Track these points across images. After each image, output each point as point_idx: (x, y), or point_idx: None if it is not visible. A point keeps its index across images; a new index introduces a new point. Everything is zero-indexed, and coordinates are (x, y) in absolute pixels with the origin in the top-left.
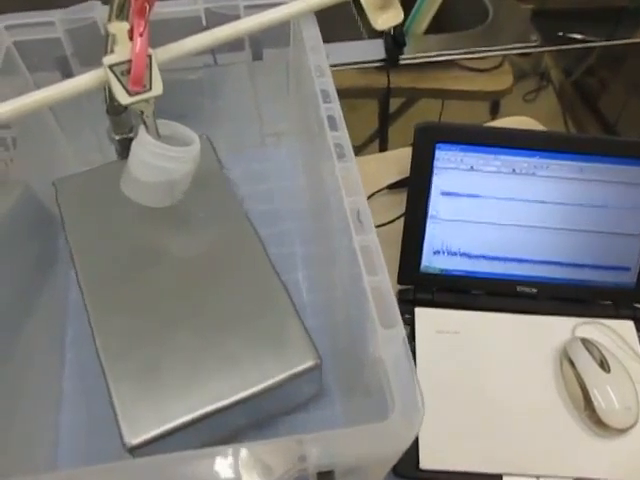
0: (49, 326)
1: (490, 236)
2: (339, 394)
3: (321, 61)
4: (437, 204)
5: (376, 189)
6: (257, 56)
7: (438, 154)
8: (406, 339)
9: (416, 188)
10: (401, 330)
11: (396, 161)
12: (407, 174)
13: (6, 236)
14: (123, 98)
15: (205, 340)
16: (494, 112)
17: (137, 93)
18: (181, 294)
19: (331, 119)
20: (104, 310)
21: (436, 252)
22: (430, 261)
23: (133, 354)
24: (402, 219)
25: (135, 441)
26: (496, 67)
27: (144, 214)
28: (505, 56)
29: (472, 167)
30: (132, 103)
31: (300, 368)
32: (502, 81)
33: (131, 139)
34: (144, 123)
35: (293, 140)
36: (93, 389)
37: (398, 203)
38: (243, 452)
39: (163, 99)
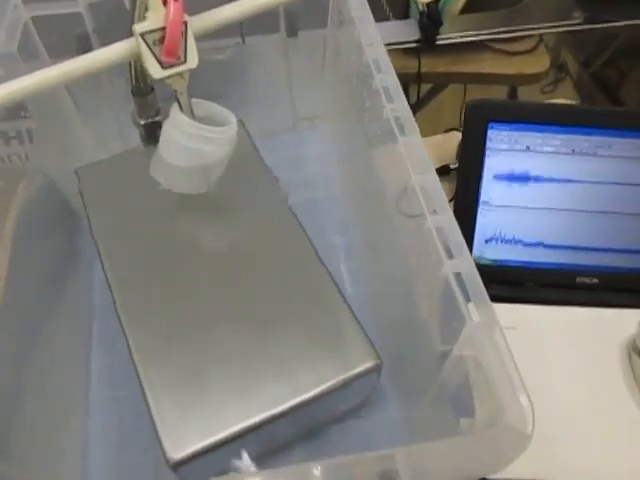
0: (73, 329)
1: (547, 223)
2: (394, 397)
3: (370, 31)
4: (489, 189)
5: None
6: (291, 34)
7: (491, 134)
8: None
9: (466, 172)
10: (496, 322)
11: (430, 149)
12: (444, 162)
13: (25, 231)
14: (155, 71)
15: (251, 342)
16: None
17: (171, 66)
18: (221, 292)
19: (387, 91)
20: (136, 310)
21: (488, 241)
22: (482, 251)
23: (171, 359)
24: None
25: (179, 456)
26: (531, 50)
27: (176, 202)
28: (541, 39)
29: (528, 147)
30: (165, 77)
31: (359, 369)
32: (539, 64)
33: (158, 123)
34: (177, 101)
35: (328, 124)
36: (124, 398)
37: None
38: (324, 470)
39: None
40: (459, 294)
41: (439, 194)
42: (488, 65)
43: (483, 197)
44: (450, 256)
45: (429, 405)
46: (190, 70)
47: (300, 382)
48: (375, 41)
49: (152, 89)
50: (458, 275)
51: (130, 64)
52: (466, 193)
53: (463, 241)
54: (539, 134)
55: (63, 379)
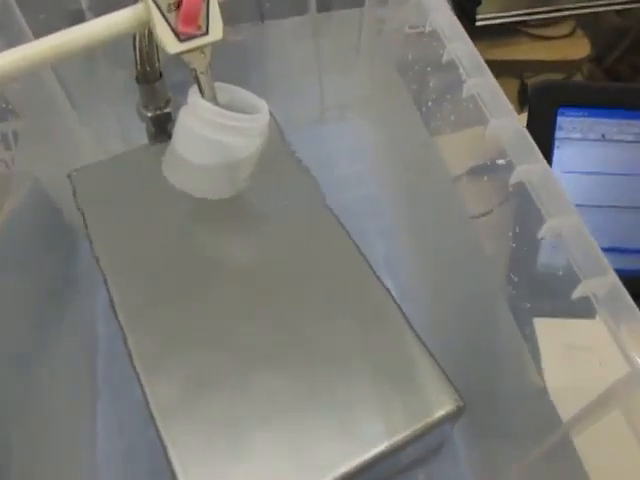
0: (74, 370)
1: (625, 223)
2: (463, 440)
3: None
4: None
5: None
6: (323, 9)
7: (561, 121)
8: None
9: None
10: None
11: (465, 144)
12: (483, 159)
13: (11, 249)
14: (170, 44)
15: (298, 382)
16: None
17: (189, 38)
18: (260, 322)
19: (463, 62)
20: (154, 352)
21: (557, 246)
22: (549, 257)
23: (197, 406)
24: (505, 207)
25: None
26: (568, 35)
27: (195, 210)
28: (577, 23)
29: (603, 136)
30: (182, 52)
31: (438, 415)
32: (580, 49)
33: (168, 115)
34: (197, 83)
35: (361, 114)
36: (136, 450)
37: (489, 190)
38: None
39: None
40: None
41: (559, 193)
42: (527, 51)
43: None
44: None
45: (502, 448)
46: (213, 44)
47: (366, 435)
48: (441, 5)
49: (160, 75)
50: None
51: (134, 43)
52: None
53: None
54: (617, 120)
55: (64, 431)
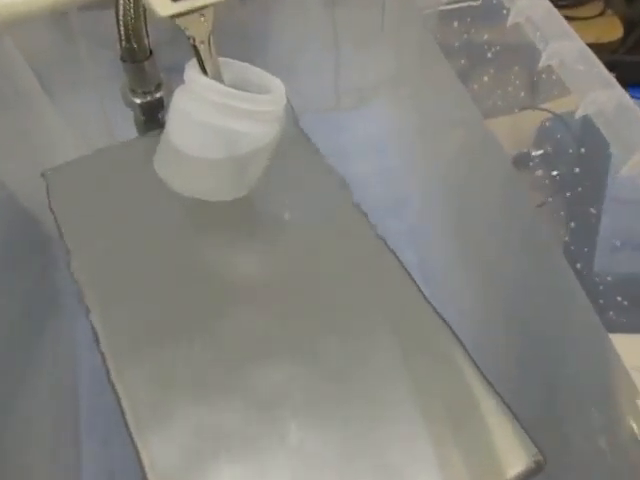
0: (53, 406)
1: None
2: None
3: None
4: (621, 179)
5: None
6: None
7: None
8: None
9: (587, 157)
10: None
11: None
12: (520, 148)
13: None
14: (162, 6)
15: (336, 435)
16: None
17: None
18: (280, 358)
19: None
20: (147, 395)
21: (616, 250)
22: (607, 263)
23: (203, 469)
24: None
25: None
26: (599, 15)
27: (196, 215)
28: (606, 3)
29: None
30: (177, 14)
31: (514, 473)
32: (614, 30)
33: (160, 101)
34: (196, 56)
35: (384, 98)
36: None
37: (537, 183)
38: None
39: None
40: None
41: None
42: None
43: (611, 190)
44: None
45: None
46: (216, 4)
47: None
48: None
49: (150, 53)
50: None
51: (117, 12)
52: (586, 186)
53: None
54: None
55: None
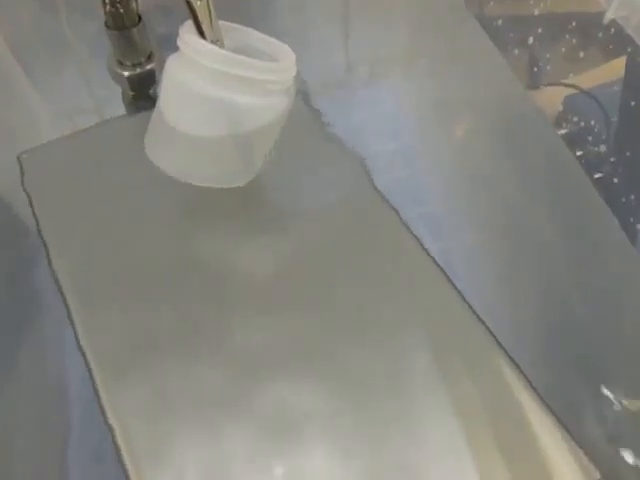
0: (37, 412)
1: None
2: None
3: None
4: None
5: None
6: None
7: None
8: None
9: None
10: None
11: None
12: None
13: None
14: None
15: (363, 464)
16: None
17: None
18: (293, 366)
19: None
20: (136, 407)
21: None
22: None
23: None
24: None
25: None
26: None
27: (193, 204)
28: None
29: None
30: None
31: None
32: None
33: (150, 73)
34: (192, 17)
35: (401, 71)
36: None
37: None
38: None
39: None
40: None
41: None
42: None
43: None
44: None
45: None
46: None
47: None
48: None
49: (139, 18)
50: None
51: None
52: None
53: None
54: None
55: None
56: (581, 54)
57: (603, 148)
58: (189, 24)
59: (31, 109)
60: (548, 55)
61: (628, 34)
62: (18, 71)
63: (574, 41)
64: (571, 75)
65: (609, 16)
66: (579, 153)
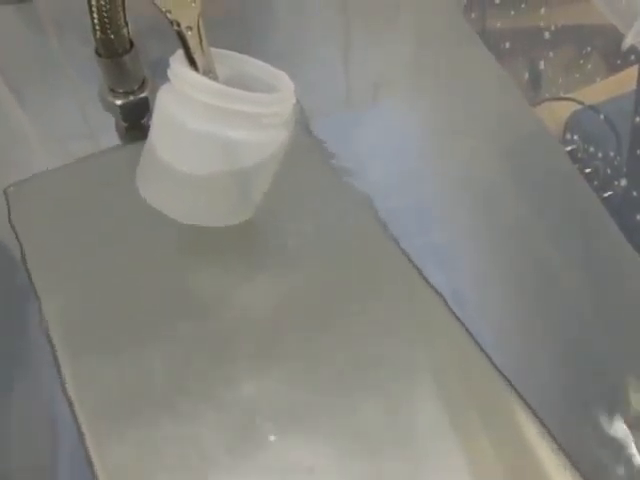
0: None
1: None
2: None
3: None
4: None
5: None
6: None
7: None
8: None
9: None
10: None
11: None
12: None
13: None
14: None
15: None
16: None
17: None
18: (298, 420)
19: None
20: (128, 464)
21: None
22: None
23: None
24: None
25: None
26: None
27: (186, 244)
28: None
29: None
30: None
31: None
32: None
33: (144, 102)
34: (183, 47)
35: (403, 93)
36: None
37: None
38: None
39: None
40: None
41: None
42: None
43: None
44: None
45: None
46: None
47: None
48: None
49: (131, 45)
50: None
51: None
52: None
53: None
54: None
55: None
56: (586, 67)
57: (613, 165)
58: (180, 54)
59: (23, 140)
60: (553, 69)
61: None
62: (9, 96)
63: (579, 54)
64: (576, 89)
65: (628, 42)
66: (588, 170)
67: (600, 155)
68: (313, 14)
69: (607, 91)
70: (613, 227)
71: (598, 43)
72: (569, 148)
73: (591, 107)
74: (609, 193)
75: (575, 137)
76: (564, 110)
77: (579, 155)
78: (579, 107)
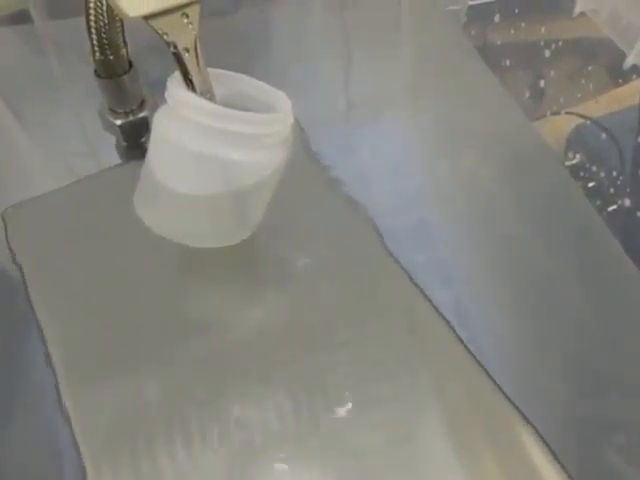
0: None
1: None
2: None
3: None
4: None
5: None
6: None
7: None
8: None
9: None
10: None
11: None
12: None
13: None
14: (132, 5)
15: None
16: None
17: None
18: (294, 445)
19: None
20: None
21: None
22: None
23: None
24: None
25: None
26: None
27: (185, 265)
28: None
29: None
30: (151, 15)
31: None
32: None
33: (143, 121)
34: (180, 68)
35: (403, 110)
36: None
37: None
38: None
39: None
40: None
41: None
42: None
43: None
44: None
45: None
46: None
47: None
48: None
49: (130, 65)
50: None
51: (87, 19)
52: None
53: None
54: None
55: None
56: (588, 82)
57: (616, 179)
58: (177, 76)
59: (24, 160)
60: (554, 84)
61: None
62: (10, 116)
63: (580, 69)
64: (578, 104)
65: (630, 62)
66: (591, 184)
67: (603, 169)
68: (313, 36)
69: (609, 105)
70: (613, 242)
71: (599, 58)
72: (571, 163)
73: (593, 121)
74: (613, 207)
75: (577, 152)
76: (566, 125)
77: (581, 170)
78: (581, 121)
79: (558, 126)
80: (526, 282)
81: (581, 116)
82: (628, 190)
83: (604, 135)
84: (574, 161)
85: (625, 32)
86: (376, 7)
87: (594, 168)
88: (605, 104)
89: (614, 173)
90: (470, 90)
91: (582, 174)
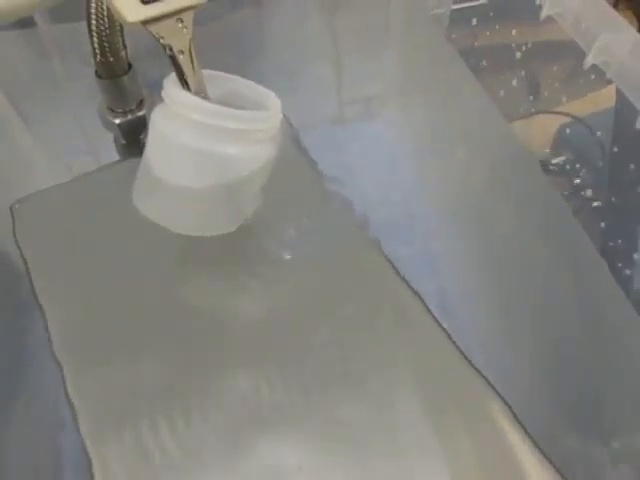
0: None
1: None
2: None
3: None
4: None
5: None
6: None
7: None
8: None
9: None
10: None
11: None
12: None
13: None
14: (131, 11)
15: None
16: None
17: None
18: (287, 421)
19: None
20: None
21: None
22: None
23: None
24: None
25: None
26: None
27: (181, 253)
28: None
29: None
30: (148, 20)
31: None
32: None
33: (141, 120)
34: (175, 70)
35: (392, 108)
36: None
37: None
38: None
39: None
40: None
41: None
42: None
43: None
44: None
45: None
46: (196, 8)
47: None
48: None
49: (130, 66)
50: None
51: (89, 23)
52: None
53: None
54: None
55: None
56: (569, 83)
57: (599, 176)
58: (173, 76)
59: (28, 157)
60: (537, 83)
61: None
62: (14, 116)
63: (562, 70)
64: (564, 103)
65: (589, 62)
66: (577, 182)
67: (586, 167)
68: (305, 38)
69: (595, 104)
70: (586, 240)
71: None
72: (557, 160)
73: (579, 120)
74: (597, 203)
75: (563, 150)
76: (552, 124)
77: (567, 167)
78: (567, 120)
79: (545, 125)
80: (509, 273)
81: (566, 115)
82: (608, 188)
83: (589, 133)
84: (560, 158)
85: (584, 34)
86: (364, 10)
87: (578, 165)
88: (593, 103)
89: (597, 169)
90: (452, 91)
91: (567, 170)
